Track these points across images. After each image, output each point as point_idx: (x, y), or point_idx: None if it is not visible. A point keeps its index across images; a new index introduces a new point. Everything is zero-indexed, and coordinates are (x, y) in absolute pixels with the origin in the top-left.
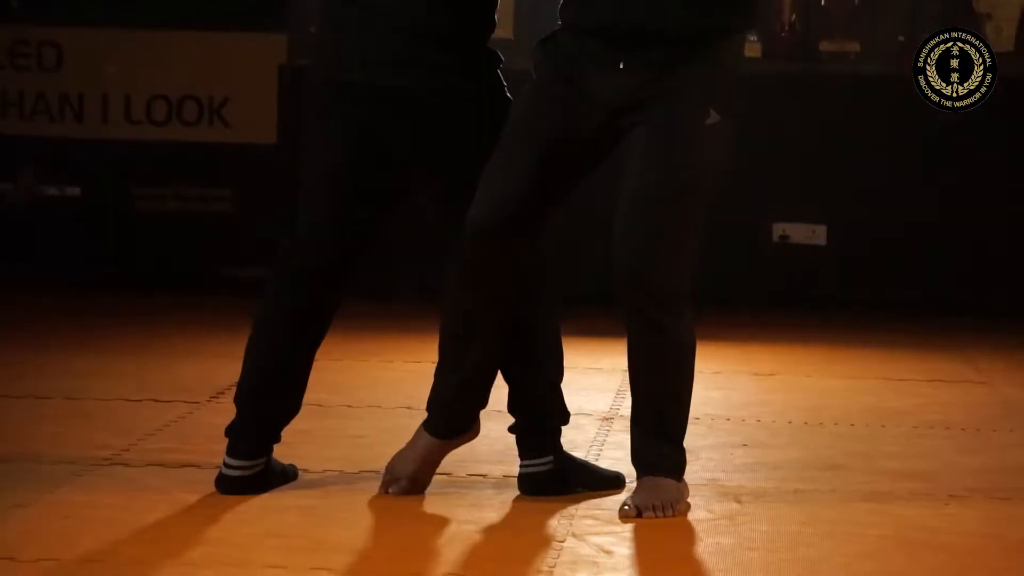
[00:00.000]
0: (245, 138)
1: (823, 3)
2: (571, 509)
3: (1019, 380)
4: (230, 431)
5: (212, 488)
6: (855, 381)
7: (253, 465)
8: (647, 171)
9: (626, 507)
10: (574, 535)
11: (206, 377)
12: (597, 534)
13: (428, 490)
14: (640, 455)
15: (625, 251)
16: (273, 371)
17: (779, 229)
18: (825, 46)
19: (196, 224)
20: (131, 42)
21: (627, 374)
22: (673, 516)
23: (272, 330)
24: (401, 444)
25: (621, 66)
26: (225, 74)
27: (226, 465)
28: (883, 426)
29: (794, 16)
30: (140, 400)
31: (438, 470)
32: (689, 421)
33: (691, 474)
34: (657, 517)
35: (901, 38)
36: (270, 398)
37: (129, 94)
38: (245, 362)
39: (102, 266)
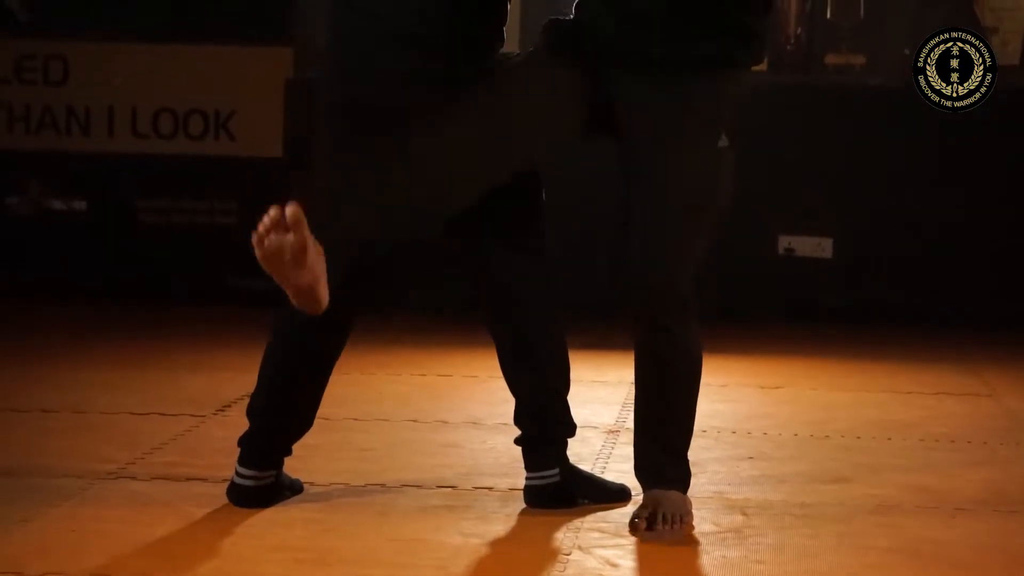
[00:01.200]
0: (251, 151)
1: (829, 16)
2: (577, 522)
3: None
4: (243, 441)
5: (219, 501)
6: (861, 393)
7: (264, 476)
8: (657, 183)
9: (636, 520)
10: (580, 548)
11: (212, 390)
12: (603, 547)
13: (434, 503)
14: (644, 466)
15: (636, 258)
16: (288, 385)
17: (785, 241)
18: (831, 59)
19: (202, 237)
20: (137, 55)
21: (633, 386)
22: (682, 528)
23: (288, 345)
24: (408, 457)
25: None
26: (231, 87)
27: (238, 475)
28: (889, 439)
29: (800, 29)
30: (146, 413)
31: (442, 483)
32: (696, 434)
33: (697, 487)
34: (667, 529)
35: (907, 51)
36: (284, 412)
37: (135, 107)
38: (260, 375)
39: (108, 279)
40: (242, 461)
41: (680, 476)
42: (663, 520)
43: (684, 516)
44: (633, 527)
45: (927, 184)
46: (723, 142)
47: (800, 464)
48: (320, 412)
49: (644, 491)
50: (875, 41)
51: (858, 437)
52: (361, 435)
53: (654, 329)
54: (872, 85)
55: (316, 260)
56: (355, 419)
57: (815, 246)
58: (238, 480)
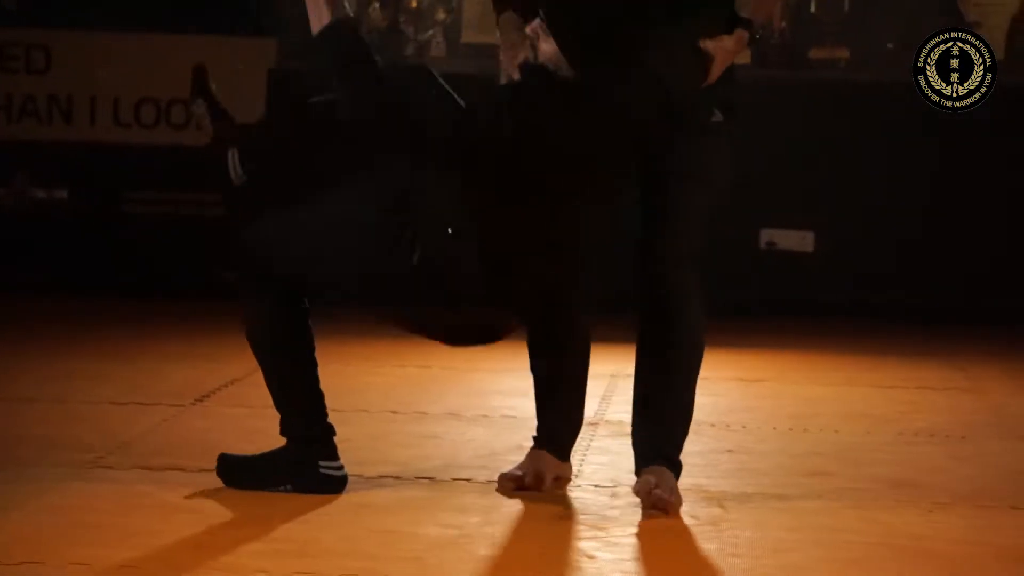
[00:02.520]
0: None
1: (813, 11)
2: (555, 513)
3: (1007, 387)
4: (321, 438)
5: (197, 491)
6: (842, 387)
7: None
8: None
9: (638, 488)
10: (557, 539)
11: (193, 381)
12: (581, 539)
13: (412, 494)
14: (643, 448)
15: (646, 249)
16: (296, 379)
17: (766, 235)
18: (815, 53)
19: (184, 227)
20: (120, 45)
21: (611, 379)
22: (677, 503)
23: (272, 348)
24: (387, 448)
25: None
26: (214, 78)
27: (335, 468)
28: (869, 433)
29: (784, 23)
30: (126, 403)
31: (420, 475)
32: None
33: None
34: (665, 498)
35: (890, 45)
36: (312, 400)
37: (118, 97)
38: (300, 381)
39: (90, 269)
40: (330, 456)
41: (676, 460)
42: (657, 487)
43: (675, 491)
44: (638, 487)
45: (909, 178)
46: (716, 116)
47: (780, 457)
48: None
49: (640, 470)
50: (859, 36)
51: (837, 431)
52: (341, 426)
53: (663, 317)
54: (855, 79)
55: None
56: (335, 410)
57: (797, 240)
58: (337, 472)
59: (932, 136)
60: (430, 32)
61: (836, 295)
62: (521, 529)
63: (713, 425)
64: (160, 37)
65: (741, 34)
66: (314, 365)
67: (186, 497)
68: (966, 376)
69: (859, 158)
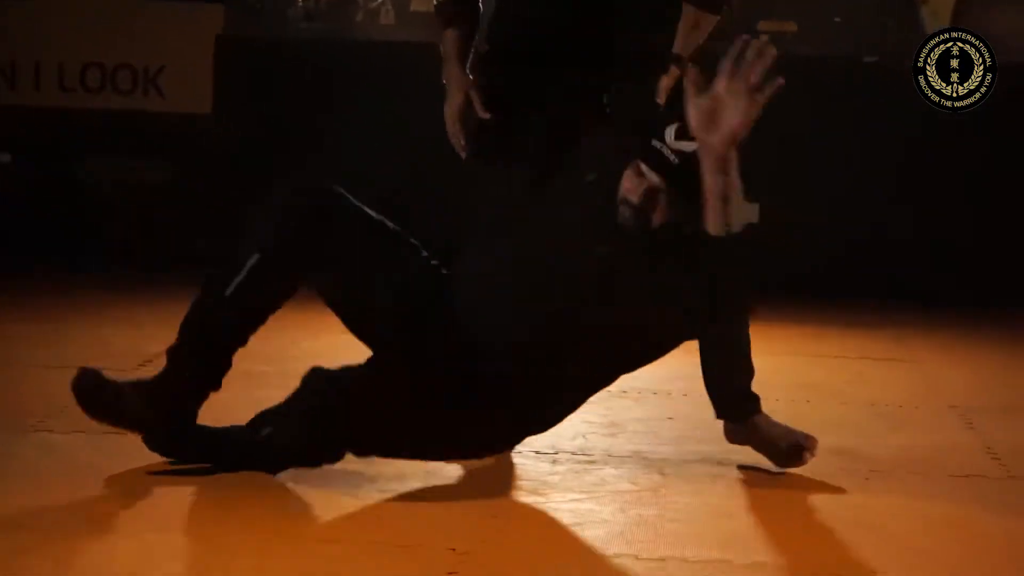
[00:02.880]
0: (180, 108)
1: None
2: (496, 480)
3: (946, 359)
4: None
5: (136, 457)
6: (783, 357)
7: None
8: None
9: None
10: (501, 505)
11: (135, 345)
12: (524, 504)
13: (352, 459)
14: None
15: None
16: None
17: None
18: (763, 26)
19: (129, 193)
20: (65, 9)
21: None
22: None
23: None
24: None
25: None
26: (161, 43)
27: None
28: (809, 401)
29: None
30: (67, 367)
31: None
32: (616, 394)
33: (616, 446)
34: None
35: (837, 19)
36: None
37: (63, 62)
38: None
39: (32, 235)
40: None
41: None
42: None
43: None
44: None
45: (855, 151)
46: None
47: (720, 425)
48: (242, 368)
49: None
50: (807, 9)
51: (777, 400)
52: (283, 392)
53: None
54: (802, 53)
55: None
56: (279, 374)
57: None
58: None
59: (877, 110)
60: (379, 0)
61: (779, 266)
62: (463, 494)
63: (655, 393)
64: (106, 1)
65: (675, 72)
66: None
67: (125, 462)
68: (905, 348)
69: (805, 130)
